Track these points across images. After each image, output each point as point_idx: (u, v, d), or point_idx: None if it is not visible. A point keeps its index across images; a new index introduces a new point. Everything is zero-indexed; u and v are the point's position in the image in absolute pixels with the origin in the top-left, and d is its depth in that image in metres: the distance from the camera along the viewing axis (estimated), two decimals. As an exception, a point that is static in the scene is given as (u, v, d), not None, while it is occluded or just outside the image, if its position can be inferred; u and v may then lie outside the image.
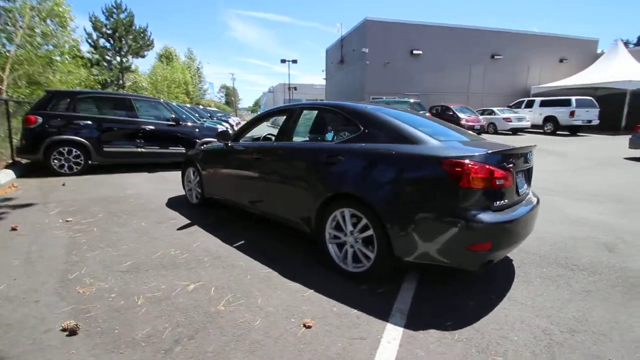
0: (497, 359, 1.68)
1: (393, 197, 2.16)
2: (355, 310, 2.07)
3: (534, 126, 16.86)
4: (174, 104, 9.77)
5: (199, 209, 4.24)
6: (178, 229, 3.53)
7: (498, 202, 2.04)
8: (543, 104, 17.14)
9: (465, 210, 1.95)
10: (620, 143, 11.37)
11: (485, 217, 1.95)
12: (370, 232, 2.28)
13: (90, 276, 2.44)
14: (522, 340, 1.82)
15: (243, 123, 3.77)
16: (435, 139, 2.27)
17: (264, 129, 3.92)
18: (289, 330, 1.87)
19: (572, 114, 15.60)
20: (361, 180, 2.32)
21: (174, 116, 7.18)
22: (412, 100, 15.37)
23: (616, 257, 2.93)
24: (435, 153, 2.07)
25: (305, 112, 3.11)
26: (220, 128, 8.13)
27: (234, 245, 3.11)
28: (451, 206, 1.97)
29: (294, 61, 41.47)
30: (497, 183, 1.99)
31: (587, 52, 23.44)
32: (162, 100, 7.80)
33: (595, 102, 15.84)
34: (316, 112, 3.11)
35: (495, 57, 22.40)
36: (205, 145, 4.51)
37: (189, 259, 2.78)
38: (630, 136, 8.89)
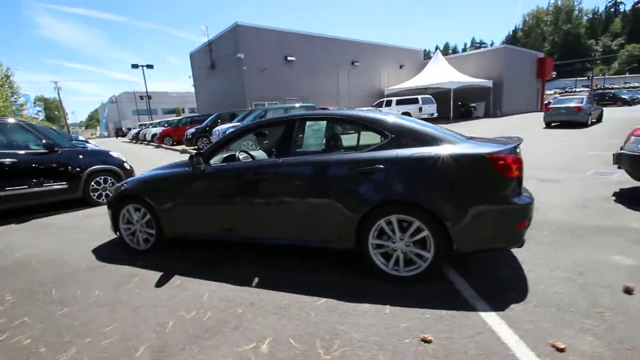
0: (570, 309, 2.08)
1: (449, 196, 2.33)
2: (445, 311, 2.15)
3: (395, 121, 20.37)
4: (38, 124, 7.10)
5: (156, 255, 3.36)
6: (157, 286, 2.74)
7: (522, 186, 2.49)
8: (399, 102, 20.88)
9: (510, 196, 2.30)
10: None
11: (523, 199, 2.36)
12: (424, 233, 2.38)
13: (110, 386, 1.66)
14: (565, 290, 2.31)
15: (214, 142, 3.20)
16: (460, 139, 2.55)
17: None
18: (419, 351, 1.80)
19: (420, 109, 19.65)
20: (411, 185, 2.39)
21: (45, 141, 5.34)
22: (297, 105, 15.93)
23: (540, 214, 3.96)
24: (477, 151, 2.34)
25: (309, 123, 2.89)
26: (114, 153, 6.52)
27: (253, 285, 2.66)
28: (500, 194, 2.30)
29: (150, 66, 36.59)
30: (522, 171, 2.42)
31: (417, 60, 29.78)
32: (18, 120, 5.62)
33: (433, 99, 20.36)
34: (325, 122, 2.93)
35: (355, 63, 25.71)
36: (151, 172, 3.52)
37: (221, 318, 2.23)
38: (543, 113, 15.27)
